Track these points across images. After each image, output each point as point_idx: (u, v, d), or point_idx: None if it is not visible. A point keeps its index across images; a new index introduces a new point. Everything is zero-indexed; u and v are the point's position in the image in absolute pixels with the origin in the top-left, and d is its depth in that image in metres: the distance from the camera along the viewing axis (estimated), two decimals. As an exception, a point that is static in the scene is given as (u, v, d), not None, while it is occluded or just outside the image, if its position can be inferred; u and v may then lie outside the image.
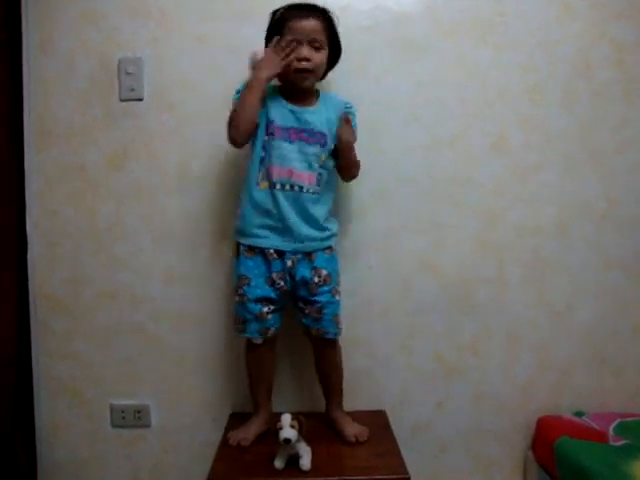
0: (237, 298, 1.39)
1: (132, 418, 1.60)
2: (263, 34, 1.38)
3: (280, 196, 1.32)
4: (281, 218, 1.33)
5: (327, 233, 1.39)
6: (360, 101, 1.51)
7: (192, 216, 1.57)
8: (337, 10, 1.50)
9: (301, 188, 1.32)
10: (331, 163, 1.39)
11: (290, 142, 1.32)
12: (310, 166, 1.33)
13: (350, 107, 1.41)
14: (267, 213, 1.34)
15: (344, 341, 1.51)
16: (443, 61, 1.56)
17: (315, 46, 1.31)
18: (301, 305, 1.39)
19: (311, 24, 1.30)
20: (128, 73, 1.53)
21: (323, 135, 1.35)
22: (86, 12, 1.54)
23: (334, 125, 1.36)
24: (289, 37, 1.29)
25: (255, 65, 1.37)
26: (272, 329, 1.40)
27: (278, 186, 1.32)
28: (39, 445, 1.61)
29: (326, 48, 1.34)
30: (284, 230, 1.34)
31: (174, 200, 1.57)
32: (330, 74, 1.46)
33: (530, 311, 1.61)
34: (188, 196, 1.56)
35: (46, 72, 1.55)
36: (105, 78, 1.54)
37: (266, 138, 1.33)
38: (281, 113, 1.34)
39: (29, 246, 1.57)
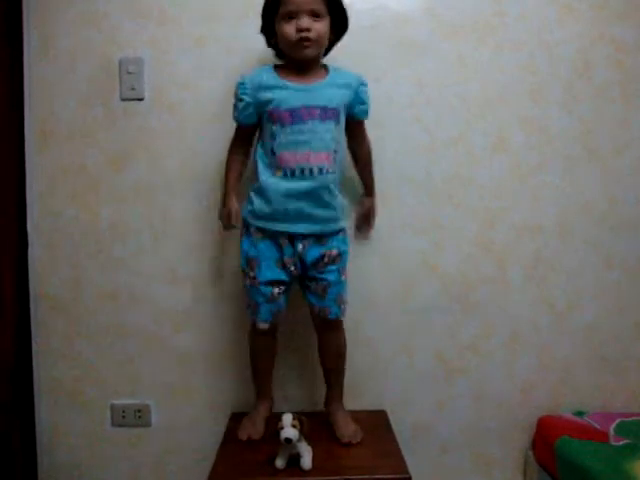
0: (248, 281, 1.36)
1: (133, 418, 1.60)
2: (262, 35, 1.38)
3: (297, 183, 1.29)
4: (297, 206, 1.30)
5: (341, 212, 1.37)
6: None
7: (193, 216, 1.56)
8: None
9: (320, 170, 1.29)
10: (343, 140, 1.37)
11: (303, 122, 1.28)
12: (327, 145, 1.30)
13: (365, 84, 1.37)
14: (281, 202, 1.30)
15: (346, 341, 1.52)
16: (444, 61, 1.56)
17: (314, 15, 1.26)
18: (307, 283, 1.37)
19: None
20: (129, 73, 1.53)
21: (336, 111, 1.31)
22: (86, 13, 1.53)
23: (347, 100, 1.34)
24: (286, 9, 1.26)
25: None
26: (282, 310, 1.39)
27: (297, 172, 1.28)
28: (39, 445, 1.61)
29: (327, 17, 1.29)
30: (299, 216, 1.31)
31: (175, 200, 1.57)
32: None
33: (531, 311, 1.62)
34: (189, 196, 1.56)
35: (47, 72, 1.54)
36: (106, 78, 1.54)
37: (274, 127, 1.30)
38: (287, 95, 1.29)
39: (29, 246, 1.57)
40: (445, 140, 1.58)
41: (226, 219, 1.36)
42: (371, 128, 1.49)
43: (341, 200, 1.38)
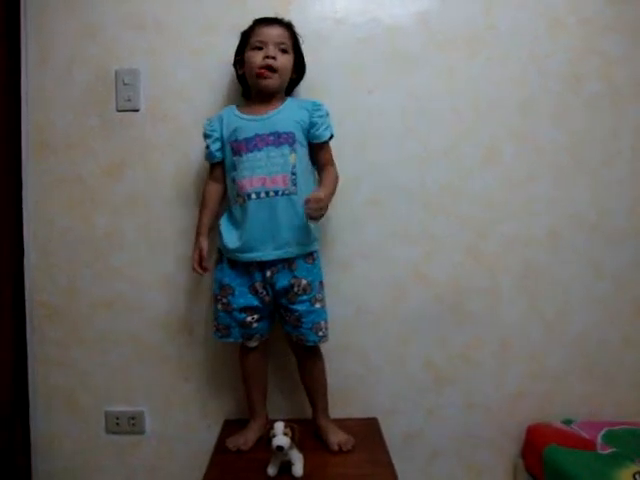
0: (220, 306, 1.40)
1: (126, 425, 1.62)
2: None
3: (255, 206, 1.33)
4: (259, 229, 1.34)
5: (308, 236, 1.37)
6: (353, 112, 1.55)
7: (187, 226, 1.57)
8: (333, 22, 1.56)
9: (276, 192, 1.33)
10: (304, 162, 1.39)
11: (259, 150, 1.34)
12: (282, 168, 1.34)
13: (319, 108, 1.40)
14: (244, 228, 1.35)
15: (337, 349, 1.55)
16: (435, 73, 1.58)
17: (281, 49, 1.37)
18: (282, 312, 1.41)
19: (277, 30, 1.38)
20: (125, 84, 1.55)
21: (290, 135, 1.35)
22: (84, 24, 1.56)
23: (303, 124, 1.38)
24: (257, 38, 1.36)
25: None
26: (257, 335, 1.42)
27: (253, 196, 1.33)
28: (34, 451, 1.62)
29: (292, 54, 1.40)
30: (263, 240, 1.34)
31: (170, 210, 1.58)
32: (324, 85, 1.50)
33: (521, 320, 1.63)
34: (184, 206, 1.58)
35: (44, 83, 1.56)
36: (102, 89, 1.56)
37: (234, 158, 1.37)
38: (244, 126, 1.37)
39: (25, 255, 1.58)
40: (437, 151, 1.60)
41: (196, 262, 1.41)
42: (364, 139, 1.51)
43: (307, 222, 1.37)
